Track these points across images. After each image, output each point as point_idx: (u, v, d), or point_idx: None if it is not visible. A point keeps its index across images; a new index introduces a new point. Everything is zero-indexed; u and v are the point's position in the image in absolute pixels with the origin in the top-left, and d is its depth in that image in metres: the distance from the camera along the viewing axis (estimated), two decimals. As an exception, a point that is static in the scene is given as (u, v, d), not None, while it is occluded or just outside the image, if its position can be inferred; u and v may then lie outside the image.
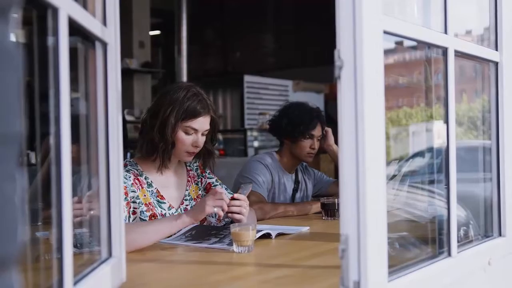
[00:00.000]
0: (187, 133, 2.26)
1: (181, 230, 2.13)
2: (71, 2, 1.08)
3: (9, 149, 0.52)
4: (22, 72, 0.55)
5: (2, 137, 0.50)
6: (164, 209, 2.28)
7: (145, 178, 2.28)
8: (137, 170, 2.28)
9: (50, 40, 1.02)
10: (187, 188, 2.41)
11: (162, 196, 2.30)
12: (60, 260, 1.01)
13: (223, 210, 2.10)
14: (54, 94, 1.01)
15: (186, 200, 2.39)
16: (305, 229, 2.39)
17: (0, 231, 0.51)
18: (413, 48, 1.70)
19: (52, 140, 1.01)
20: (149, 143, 2.26)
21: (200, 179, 2.48)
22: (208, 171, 2.52)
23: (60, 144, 1.01)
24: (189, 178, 2.44)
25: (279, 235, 2.21)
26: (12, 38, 0.54)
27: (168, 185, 2.35)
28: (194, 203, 2.39)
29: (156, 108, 2.26)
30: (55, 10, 1.01)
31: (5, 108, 0.51)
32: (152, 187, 2.28)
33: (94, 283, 1.19)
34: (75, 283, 1.08)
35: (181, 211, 2.33)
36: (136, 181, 2.23)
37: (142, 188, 2.24)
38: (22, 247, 0.56)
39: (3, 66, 0.51)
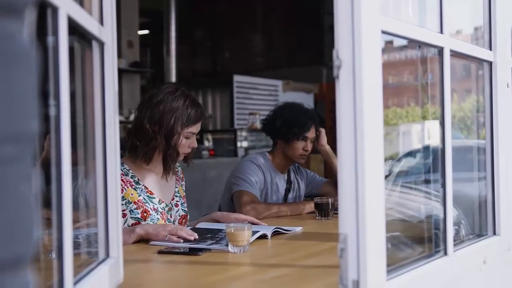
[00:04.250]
0: (187, 138, 2.33)
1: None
2: (71, 2, 1.07)
3: (25, 148, 0.51)
4: (37, 71, 0.54)
5: (18, 136, 0.50)
6: (155, 204, 2.31)
7: (131, 177, 2.31)
8: (122, 170, 2.29)
9: (50, 39, 1.01)
10: (176, 186, 2.47)
11: (151, 191, 2.33)
12: (60, 261, 1.00)
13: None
14: (54, 94, 1.00)
15: (176, 196, 2.44)
16: (298, 229, 2.39)
17: (17, 230, 0.51)
18: (404, 47, 1.70)
19: (52, 139, 1.01)
20: (151, 151, 2.29)
21: (183, 183, 2.55)
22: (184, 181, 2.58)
23: (60, 144, 1.00)
24: (177, 177, 2.50)
25: (275, 234, 2.22)
26: (27, 37, 0.53)
27: (157, 183, 2.38)
28: (183, 200, 2.47)
29: (154, 116, 2.26)
30: (55, 9, 1.00)
31: (21, 107, 0.50)
32: (140, 184, 2.31)
33: (93, 283, 1.19)
34: (75, 283, 1.07)
35: (172, 206, 2.39)
36: (120, 181, 2.24)
37: (128, 187, 2.26)
38: (37, 246, 0.56)
39: (20, 66, 0.50)
